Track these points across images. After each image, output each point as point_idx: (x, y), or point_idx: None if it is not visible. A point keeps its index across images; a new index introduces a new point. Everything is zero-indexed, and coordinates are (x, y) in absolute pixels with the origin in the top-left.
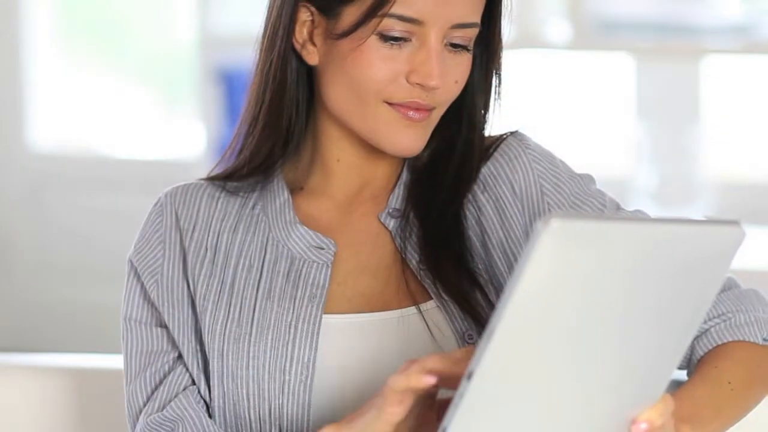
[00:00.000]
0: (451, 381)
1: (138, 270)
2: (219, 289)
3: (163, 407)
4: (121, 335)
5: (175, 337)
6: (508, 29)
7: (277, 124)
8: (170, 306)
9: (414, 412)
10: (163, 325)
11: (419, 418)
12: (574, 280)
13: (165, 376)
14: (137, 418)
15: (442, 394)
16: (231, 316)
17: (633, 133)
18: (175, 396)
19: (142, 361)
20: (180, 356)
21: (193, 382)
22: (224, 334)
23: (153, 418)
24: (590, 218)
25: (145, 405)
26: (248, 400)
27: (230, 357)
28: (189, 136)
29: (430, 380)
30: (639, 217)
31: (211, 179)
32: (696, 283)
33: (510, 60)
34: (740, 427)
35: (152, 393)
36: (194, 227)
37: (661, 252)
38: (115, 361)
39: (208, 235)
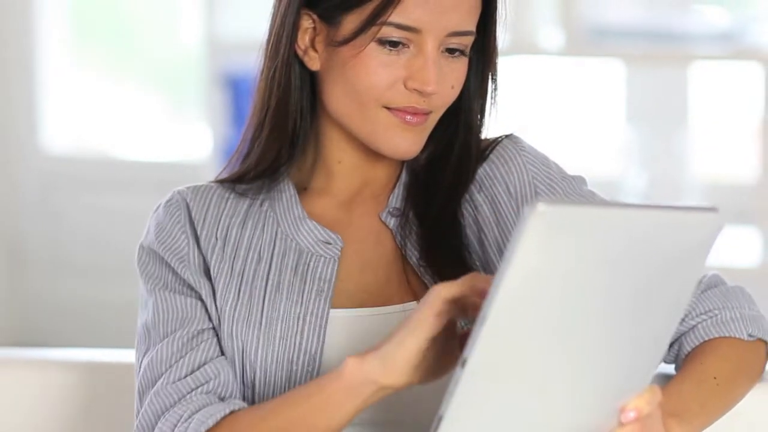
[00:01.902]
0: (468, 310)
1: (164, 258)
2: (229, 273)
3: (196, 369)
4: (145, 305)
5: (212, 314)
6: (502, 36)
7: (283, 129)
8: (205, 286)
9: (436, 343)
10: (196, 297)
11: (441, 349)
12: (560, 265)
13: (200, 343)
14: (161, 375)
15: (462, 327)
16: (240, 300)
17: (623, 136)
18: (212, 359)
19: (175, 324)
20: (214, 329)
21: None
22: (233, 317)
23: (191, 378)
24: (575, 203)
25: (173, 365)
26: (254, 385)
27: (240, 340)
28: (196, 138)
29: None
30: (622, 203)
31: (219, 182)
32: (678, 269)
33: (505, 66)
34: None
35: (184, 355)
36: (204, 220)
37: (643, 236)
38: (125, 356)
39: (218, 228)
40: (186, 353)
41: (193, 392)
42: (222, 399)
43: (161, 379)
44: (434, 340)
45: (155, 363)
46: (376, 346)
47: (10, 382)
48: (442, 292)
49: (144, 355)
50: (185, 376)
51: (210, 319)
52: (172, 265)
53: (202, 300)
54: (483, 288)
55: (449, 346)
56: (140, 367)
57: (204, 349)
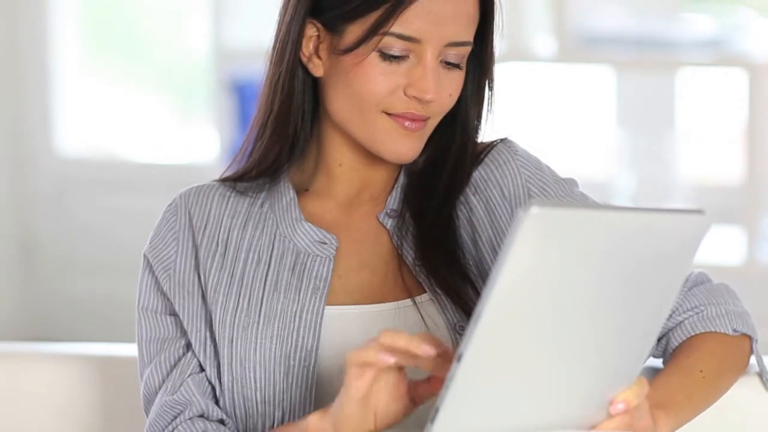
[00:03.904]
0: (411, 359)
1: (152, 264)
2: (229, 281)
3: (175, 391)
4: (136, 324)
5: (185, 325)
6: (498, 44)
7: (285, 131)
8: (181, 297)
9: (383, 388)
10: (175, 314)
11: (389, 394)
12: (553, 264)
13: (178, 361)
14: (153, 400)
15: (414, 373)
16: (240, 305)
17: (613, 139)
18: (184, 381)
19: (156, 347)
20: (189, 343)
21: (201, 368)
22: (233, 323)
23: (165, 401)
24: (568, 206)
25: (160, 388)
26: (255, 383)
27: (239, 344)
28: (203, 142)
29: (386, 359)
30: (613, 205)
31: (222, 181)
32: (666, 268)
33: (500, 71)
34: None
35: (167, 376)
36: (206, 224)
37: (633, 237)
38: (134, 350)
39: (219, 231)
40: (168, 374)
41: (176, 420)
42: (203, 416)
43: (153, 406)
44: (377, 393)
45: (148, 386)
46: (330, 405)
47: (25, 375)
48: (351, 358)
49: (141, 376)
50: (167, 401)
51: (184, 333)
52: (157, 273)
53: (176, 315)
54: (390, 345)
55: (398, 391)
56: (141, 388)
57: (181, 368)
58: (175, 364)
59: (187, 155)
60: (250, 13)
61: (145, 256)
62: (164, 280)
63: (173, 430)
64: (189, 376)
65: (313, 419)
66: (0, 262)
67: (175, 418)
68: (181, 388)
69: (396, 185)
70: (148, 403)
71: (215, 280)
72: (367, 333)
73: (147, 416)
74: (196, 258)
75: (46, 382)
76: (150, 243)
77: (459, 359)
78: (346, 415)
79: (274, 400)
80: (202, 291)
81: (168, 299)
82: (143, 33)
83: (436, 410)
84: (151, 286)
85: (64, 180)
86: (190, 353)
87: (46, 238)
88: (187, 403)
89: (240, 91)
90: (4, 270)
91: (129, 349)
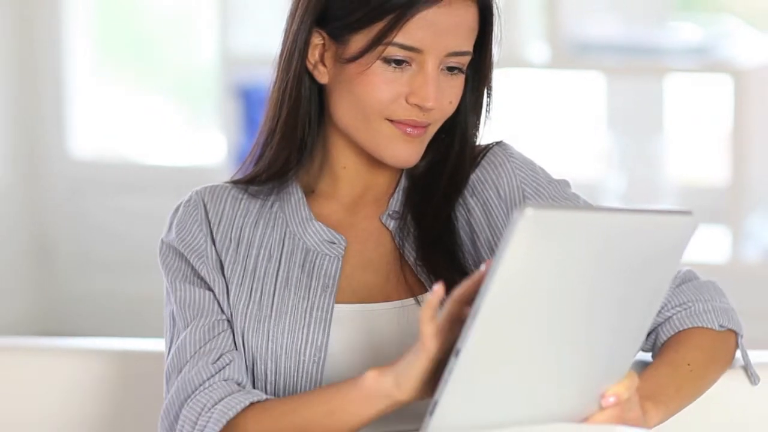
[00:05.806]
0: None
1: (183, 253)
2: (242, 274)
3: (216, 359)
4: (171, 295)
5: (224, 308)
6: (497, 52)
7: (293, 136)
8: (219, 282)
9: (441, 362)
10: (211, 290)
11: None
12: (547, 263)
13: (218, 334)
14: (186, 362)
15: None
16: (252, 299)
17: (604, 142)
18: (227, 353)
19: (193, 312)
20: (228, 320)
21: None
22: (246, 314)
23: (208, 365)
24: (561, 208)
25: (195, 353)
26: (265, 375)
27: (251, 336)
28: (211, 145)
29: (438, 289)
30: (605, 207)
31: (234, 183)
32: (655, 267)
33: (495, 78)
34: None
35: (204, 344)
36: (220, 221)
37: (624, 237)
38: (150, 345)
39: (232, 229)
40: (206, 342)
41: (213, 378)
42: (239, 384)
43: (186, 366)
44: (437, 359)
45: (181, 351)
46: (393, 363)
47: (41, 368)
48: (424, 314)
49: (171, 343)
50: (206, 364)
51: (222, 311)
52: (191, 260)
53: (215, 294)
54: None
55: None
56: (168, 354)
57: (222, 340)
58: (215, 336)
59: (195, 158)
60: (256, 20)
61: (168, 244)
62: (200, 267)
63: (210, 386)
64: (230, 350)
65: (372, 374)
66: (16, 260)
67: (213, 376)
68: (224, 356)
69: (398, 188)
70: (175, 369)
71: (229, 272)
72: (373, 331)
73: (168, 382)
74: (215, 249)
75: (61, 376)
76: (177, 235)
77: (457, 354)
78: (416, 371)
79: (284, 393)
80: (226, 282)
81: (205, 282)
82: (153, 40)
83: (435, 403)
84: (183, 268)
85: (78, 181)
86: (229, 330)
87: (60, 238)
88: (228, 366)
89: (246, 96)
90: (19, 268)
91: (144, 344)
